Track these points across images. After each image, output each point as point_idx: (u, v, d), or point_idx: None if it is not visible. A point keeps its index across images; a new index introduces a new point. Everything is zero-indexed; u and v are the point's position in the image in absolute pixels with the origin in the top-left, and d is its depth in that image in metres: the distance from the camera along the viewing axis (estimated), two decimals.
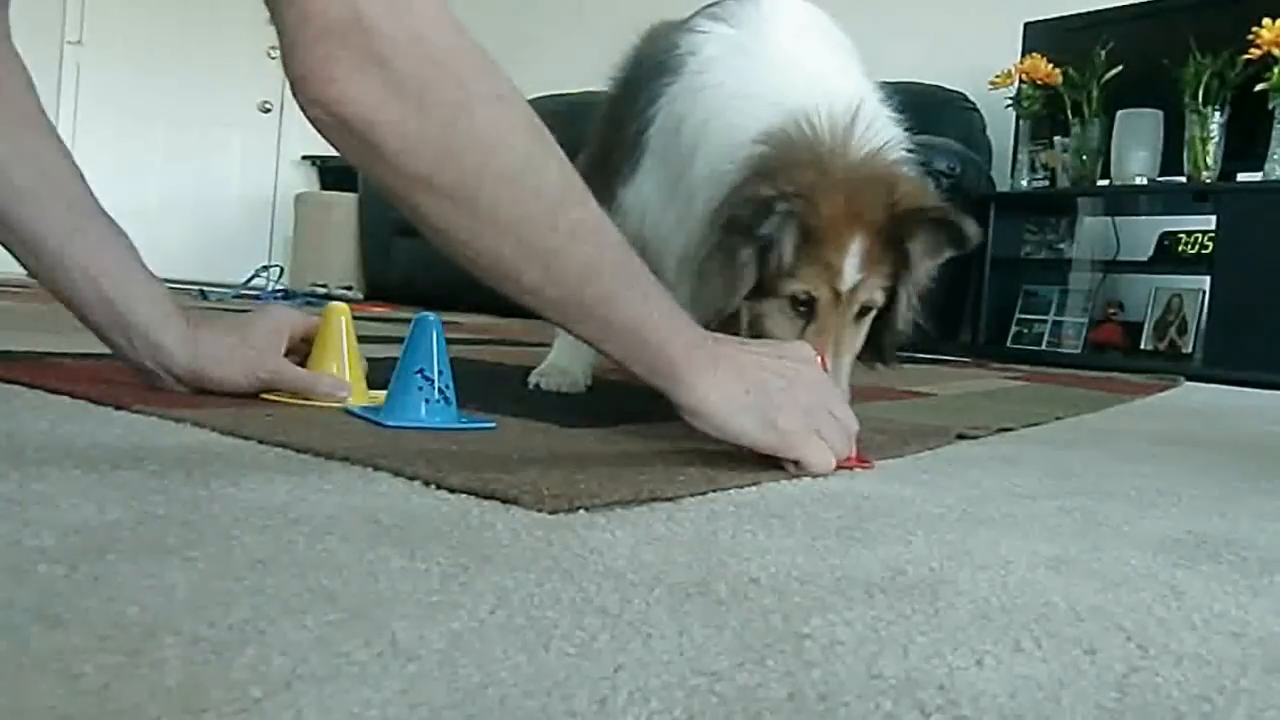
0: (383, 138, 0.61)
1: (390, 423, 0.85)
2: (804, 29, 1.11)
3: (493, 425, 0.89)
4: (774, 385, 0.78)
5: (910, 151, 1.03)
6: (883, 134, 1.00)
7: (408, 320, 0.93)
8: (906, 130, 1.06)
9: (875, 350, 1.06)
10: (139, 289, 0.89)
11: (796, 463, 0.79)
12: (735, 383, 0.76)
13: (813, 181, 0.93)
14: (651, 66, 1.14)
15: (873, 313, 1.01)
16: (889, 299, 1.01)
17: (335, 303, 1.02)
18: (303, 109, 0.60)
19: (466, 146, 0.64)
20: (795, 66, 1.04)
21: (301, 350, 0.99)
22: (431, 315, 0.89)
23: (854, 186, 0.94)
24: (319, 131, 0.61)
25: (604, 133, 1.21)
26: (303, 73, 0.59)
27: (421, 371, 0.88)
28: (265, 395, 0.95)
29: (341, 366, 0.98)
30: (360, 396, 0.97)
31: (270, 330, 0.96)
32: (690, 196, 1.05)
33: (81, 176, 0.89)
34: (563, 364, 1.28)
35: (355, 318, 1.01)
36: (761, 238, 0.92)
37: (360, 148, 0.62)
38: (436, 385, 0.88)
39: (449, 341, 0.92)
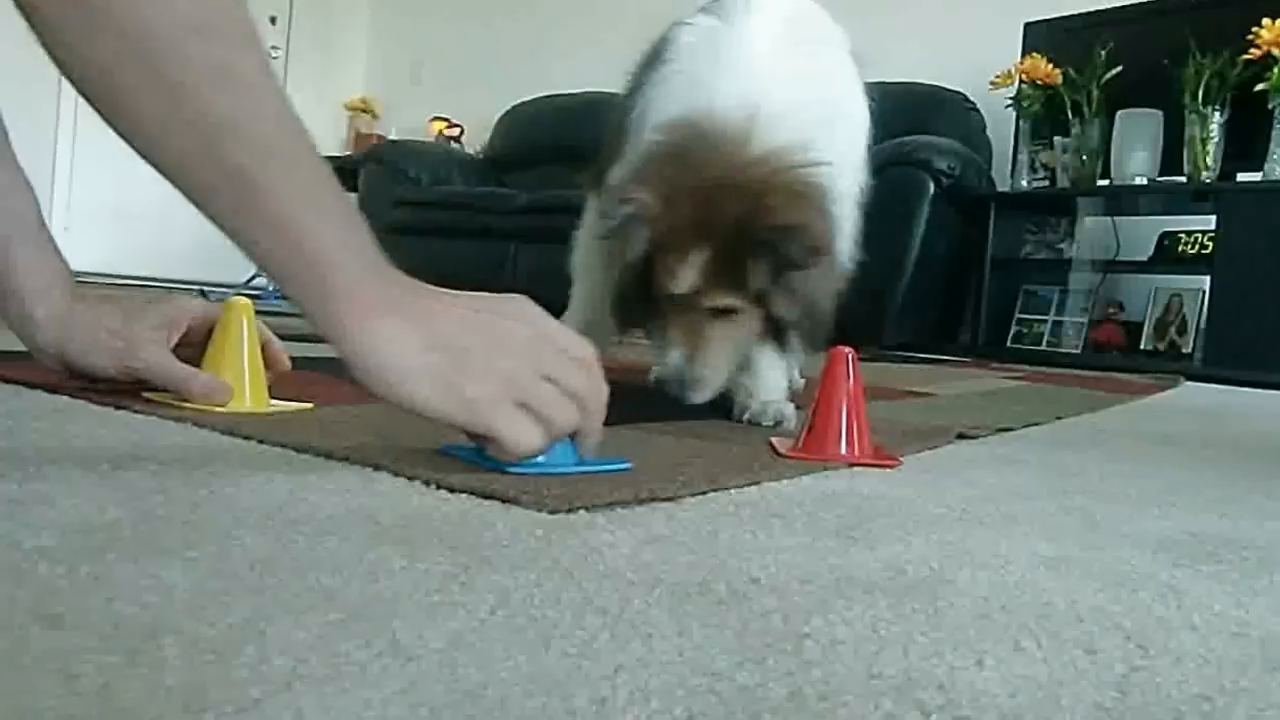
0: None
1: (513, 469, 0.68)
2: (787, 22, 1.11)
3: (628, 466, 0.74)
4: (468, 343, 0.65)
5: (814, 164, 1.00)
6: (781, 141, 0.98)
7: None
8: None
9: (804, 341, 1.11)
10: (27, 252, 0.84)
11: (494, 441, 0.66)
12: (415, 337, 0.63)
13: (671, 184, 0.97)
14: (647, 58, 1.18)
15: (737, 315, 1.02)
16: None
17: (237, 298, 0.92)
18: None
19: None
20: (750, 59, 1.06)
21: (203, 345, 0.91)
22: None
23: (711, 195, 0.96)
24: None
25: (609, 127, 1.25)
26: None
27: None
28: (148, 394, 0.89)
29: (239, 369, 0.89)
30: (258, 401, 0.90)
31: (160, 321, 0.89)
32: None
33: None
34: None
35: None
36: (614, 229, 0.99)
37: None
38: None
39: None
